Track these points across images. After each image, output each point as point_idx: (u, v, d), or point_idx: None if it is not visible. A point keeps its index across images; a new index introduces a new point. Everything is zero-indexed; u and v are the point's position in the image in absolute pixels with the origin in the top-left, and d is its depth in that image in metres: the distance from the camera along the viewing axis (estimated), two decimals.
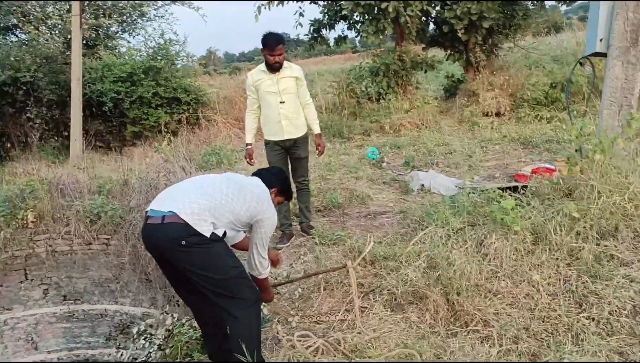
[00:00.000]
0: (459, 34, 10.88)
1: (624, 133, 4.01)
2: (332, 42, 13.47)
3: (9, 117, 11.97)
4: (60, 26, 13.79)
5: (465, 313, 3.14)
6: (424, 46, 12.43)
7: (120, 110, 11.96)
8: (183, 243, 2.71)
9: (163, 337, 4.10)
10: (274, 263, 3.54)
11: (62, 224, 6.37)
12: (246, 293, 2.92)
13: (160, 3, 15.01)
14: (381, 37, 11.15)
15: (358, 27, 11.81)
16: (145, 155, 9.95)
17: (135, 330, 4.63)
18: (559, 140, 7.77)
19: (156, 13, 15.15)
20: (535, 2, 12.46)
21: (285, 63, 4.75)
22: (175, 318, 4.17)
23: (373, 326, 3.22)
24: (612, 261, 3.28)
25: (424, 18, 11.66)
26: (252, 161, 5.14)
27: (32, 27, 13.76)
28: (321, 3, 12.37)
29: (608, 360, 2.61)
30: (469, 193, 4.65)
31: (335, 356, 2.96)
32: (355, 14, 11.22)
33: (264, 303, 3.60)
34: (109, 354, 5.89)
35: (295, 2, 12.41)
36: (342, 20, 12.24)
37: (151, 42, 14.42)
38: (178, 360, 3.64)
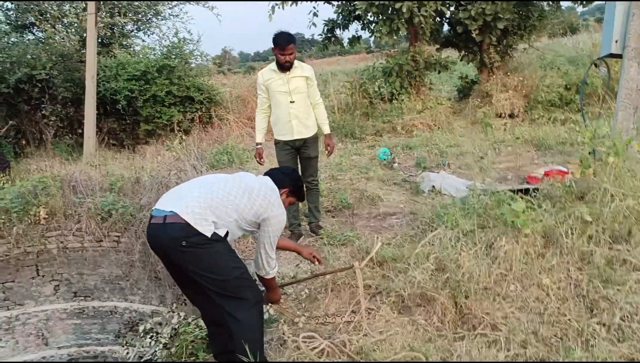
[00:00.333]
0: (473, 35, 10.80)
1: (639, 136, 3.95)
2: (346, 42, 13.44)
3: (24, 114, 12.06)
4: (76, 24, 13.89)
5: (473, 316, 3.09)
6: (438, 46, 12.35)
7: (134, 108, 12.01)
8: (184, 243, 2.71)
9: (169, 335, 4.10)
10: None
11: (73, 221, 6.43)
12: (248, 294, 2.91)
13: (175, 2, 15.06)
14: (395, 37, 11.05)
15: (372, 28, 11.73)
16: (158, 153, 9.97)
17: (141, 328, 4.64)
18: (573, 142, 7.66)
19: (171, 12, 15.17)
20: (550, 2, 12.31)
21: (296, 63, 4.74)
22: (182, 317, 4.17)
23: (379, 328, 3.19)
24: (625, 265, 3.21)
25: (438, 18, 11.57)
26: (262, 160, 5.13)
27: (49, 25, 13.88)
28: (335, 3, 12.31)
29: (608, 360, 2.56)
30: (480, 194, 4.59)
31: (340, 358, 2.93)
32: (369, 14, 11.14)
33: (270, 304, 3.59)
34: (117, 351, 5.92)
35: (309, 2, 12.40)
36: (356, 21, 12.15)
37: (165, 40, 14.53)
38: (183, 360, 3.64)
